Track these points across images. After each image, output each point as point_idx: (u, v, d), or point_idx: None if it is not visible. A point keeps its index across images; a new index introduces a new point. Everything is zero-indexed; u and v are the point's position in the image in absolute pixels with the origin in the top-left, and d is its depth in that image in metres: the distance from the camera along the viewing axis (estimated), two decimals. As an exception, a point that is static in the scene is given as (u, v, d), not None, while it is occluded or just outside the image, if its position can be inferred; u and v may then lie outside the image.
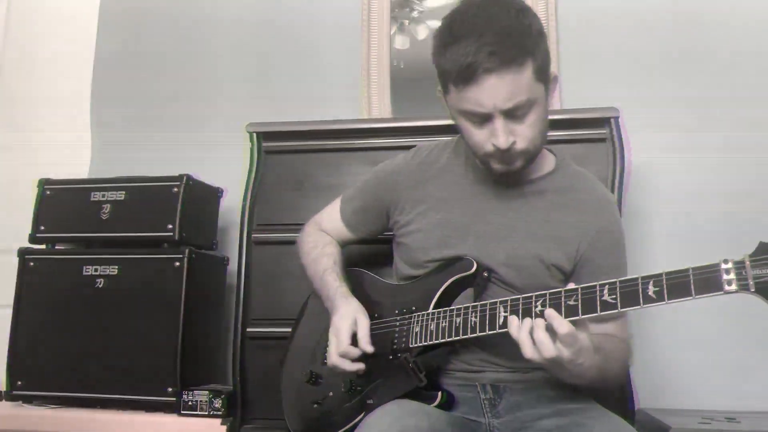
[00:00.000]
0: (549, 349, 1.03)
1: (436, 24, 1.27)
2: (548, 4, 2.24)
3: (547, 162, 1.37)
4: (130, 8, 2.58)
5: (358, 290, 1.39)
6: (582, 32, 2.23)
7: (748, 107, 2.09)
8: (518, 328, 1.07)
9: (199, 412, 1.77)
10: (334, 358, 1.29)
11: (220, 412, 1.76)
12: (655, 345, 1.96)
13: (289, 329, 1.65)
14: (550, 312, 1.05)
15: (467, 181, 1.37)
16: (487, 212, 1.33)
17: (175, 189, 1.97)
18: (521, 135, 1.19)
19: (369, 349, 1.27)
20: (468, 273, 1.28)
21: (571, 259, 1.29)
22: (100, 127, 2.52)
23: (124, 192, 2.01)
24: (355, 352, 1.28)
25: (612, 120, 1.72)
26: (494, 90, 1.13)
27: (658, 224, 2.04)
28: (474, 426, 1.24)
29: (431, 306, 1.27)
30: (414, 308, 1.30)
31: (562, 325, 1.03)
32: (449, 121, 1.30)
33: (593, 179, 1.38)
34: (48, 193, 2.07)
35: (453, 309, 1.23)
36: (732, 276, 0.95)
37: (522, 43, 1.14)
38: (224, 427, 1.75)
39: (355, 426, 1.20)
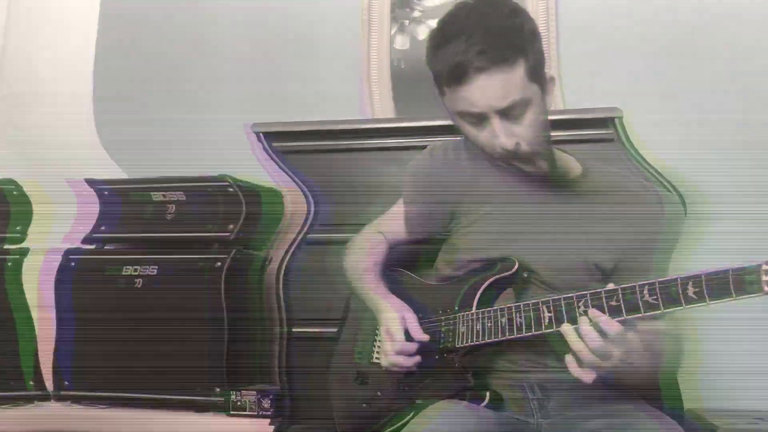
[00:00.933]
0: (603, 351, 1.04)
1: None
2: (548, 3, 2.23)
3: (572, 163, 1.36)
4: (129, 13, 2.61)
5: (398, 290, 1.40)
6: (582, 29, 2.21)
7: (755, 97, 2.07)
8: (573, 335, 1.07)
9: (249, 413, 1.79)
10: (391, 356, 1.29)
11: (269, 413, 1.78)
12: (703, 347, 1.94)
13: (333, 329, 1.67)
14: (595, 312, 1.05)
15: (504, 183, 1.35)
16: (529, 213, 1.32)
17: (231, 189, 1.98)
18: (522, 136, 1.18)
19: (425, 337, 1.29)
20: (509, 273, 1.28)
21: (612, 258, 1.28)
22: (103, 128, 2.54)
23: (183, 192, 2.04)
24: (413, 347, 1.29)
25: (617, 120, 1.71)
26: (486, 89, 1.13)
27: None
28: (522, 426, 1.24)
29: (474, 305, 1.27)
30: (457, 308, 1.30)
31: (611, 324, 1.03)
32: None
33: (626, 176, 1.39)
34: (106, 193, 2.11)
35: (497, 309, 1.23)
36: None
37: (512, 42, 1.14)
38: (272, 427, 1.76)
39: (404, 426, 1.21)
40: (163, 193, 2.05)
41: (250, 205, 2.00)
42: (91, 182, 2.12)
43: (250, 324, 2.01)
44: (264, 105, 2.38)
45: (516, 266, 1.28)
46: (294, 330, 1.83)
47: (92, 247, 2.09)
